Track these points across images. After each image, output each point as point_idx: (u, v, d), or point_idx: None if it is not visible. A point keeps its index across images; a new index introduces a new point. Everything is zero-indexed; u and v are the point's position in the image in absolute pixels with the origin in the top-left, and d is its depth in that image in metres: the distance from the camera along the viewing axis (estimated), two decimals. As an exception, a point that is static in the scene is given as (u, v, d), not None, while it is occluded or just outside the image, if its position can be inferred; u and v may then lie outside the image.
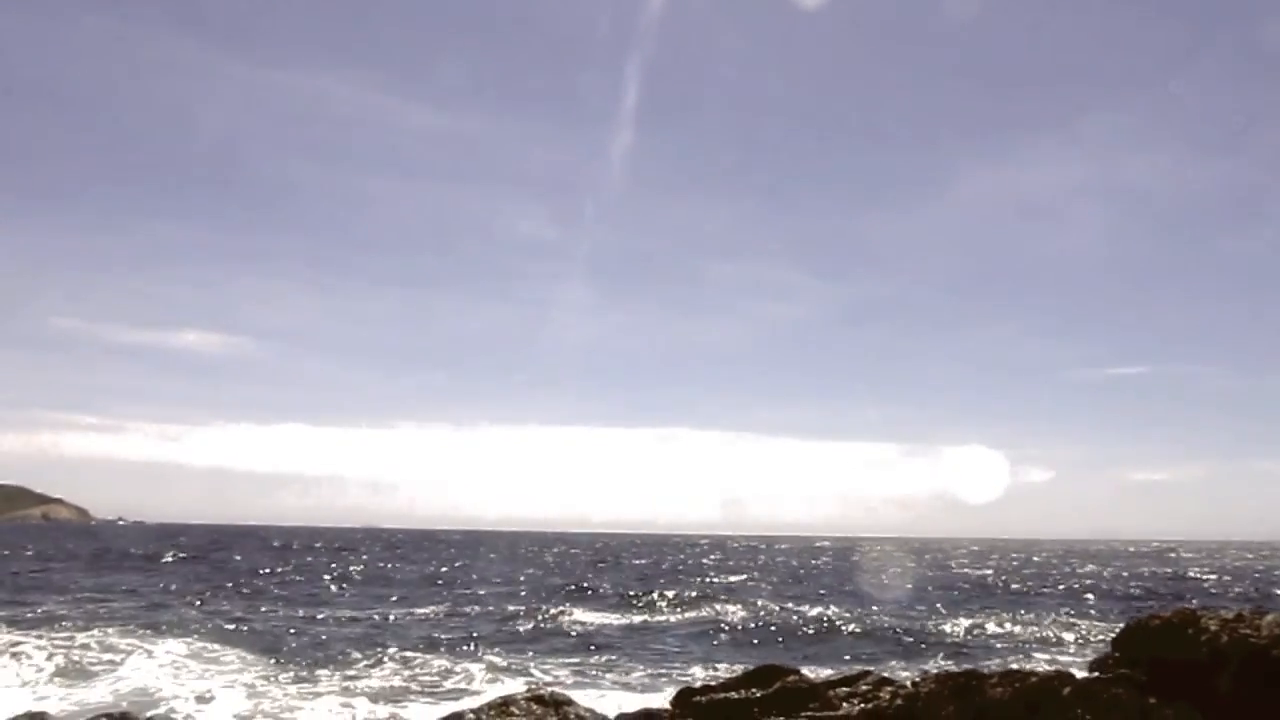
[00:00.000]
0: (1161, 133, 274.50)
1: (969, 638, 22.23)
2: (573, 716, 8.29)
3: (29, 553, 52.90)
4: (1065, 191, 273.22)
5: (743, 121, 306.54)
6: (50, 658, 15.98)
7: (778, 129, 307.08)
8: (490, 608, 26.97)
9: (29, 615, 22.15)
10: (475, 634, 20.86)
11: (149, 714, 12.16)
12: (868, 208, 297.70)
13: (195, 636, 19.00)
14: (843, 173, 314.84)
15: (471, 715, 8.34)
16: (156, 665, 15.72)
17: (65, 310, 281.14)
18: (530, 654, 18.21)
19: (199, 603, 26.06)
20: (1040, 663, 17.27)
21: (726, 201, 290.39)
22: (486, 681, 15.18)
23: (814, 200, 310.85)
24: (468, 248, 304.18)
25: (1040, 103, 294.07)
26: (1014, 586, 40.88)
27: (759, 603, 29.96)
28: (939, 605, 30.07)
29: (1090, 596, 35.54)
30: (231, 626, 20.81)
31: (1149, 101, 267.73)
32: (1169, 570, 58.61)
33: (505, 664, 16.93)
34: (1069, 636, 22.38)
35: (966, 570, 56.53)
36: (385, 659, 17.01)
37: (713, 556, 65.09)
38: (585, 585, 37.02)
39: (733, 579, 43.83)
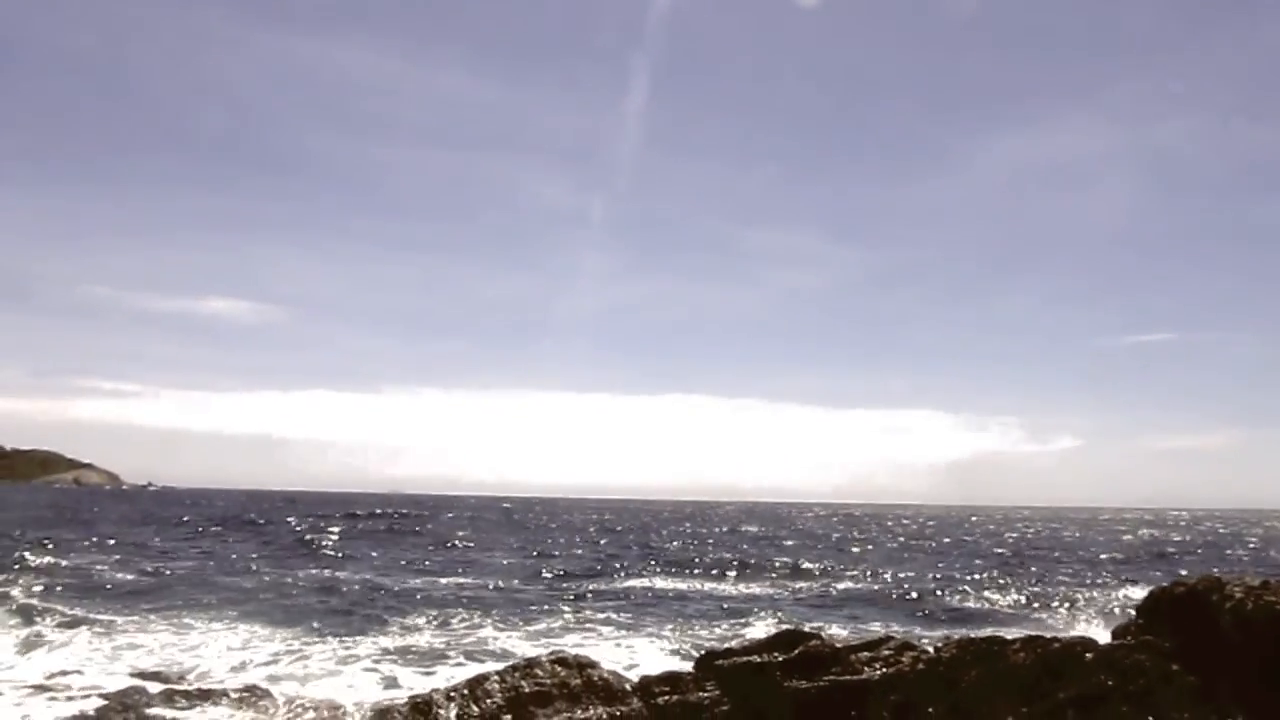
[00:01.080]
0: (1187, 100, 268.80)
1: (992, 604, 22.25)
2: (595, 679, 8.40)
3: (65, 518, 53.92)
4: (1091, 159, 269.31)
5: (767, 89, 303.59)
6: (85, 624, 16.31)
7: (801, 97, 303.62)
8: (519, 573, 27.26)
9: (69, 581, 22.55)
10: (506, 599, 21.12)
11: (183, 678, 12.44)
12: (893, 176, 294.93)
13: (232, 601, 19.31)
14: (867, 141, 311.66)
15: (496, 677, 8.48)
16: (195, 631, 16.00)
17: (94, 278, 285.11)
18: (559, 619, 18.38)
19: (237, 567, 26.51)
20: (1063, 630, 17.27)
21: (750, 169, 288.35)
22: (515, 645, 15.38)
23: (837, 168, 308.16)
24: (490, 215, 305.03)
25: (1066, 71, 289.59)
26: (1039, 554, 40.77)
27: (789, 568, 30.15)
28: (963, 572, 30.10)
29: (1116, 564, 35.37)
30: (267, 592, 21.13)
31: (1175, 69, 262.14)
32: (1196, 538, 58.19)
33: (534, 628, 17.14)
34: (1093, 604, 22.31)
35: (992, 537, 56.43)
36: (418, 624, 17.25)
37: (745, 527, 65.26)
38: (615, 551, 37.34)
39: (764, 545, 43.99)
